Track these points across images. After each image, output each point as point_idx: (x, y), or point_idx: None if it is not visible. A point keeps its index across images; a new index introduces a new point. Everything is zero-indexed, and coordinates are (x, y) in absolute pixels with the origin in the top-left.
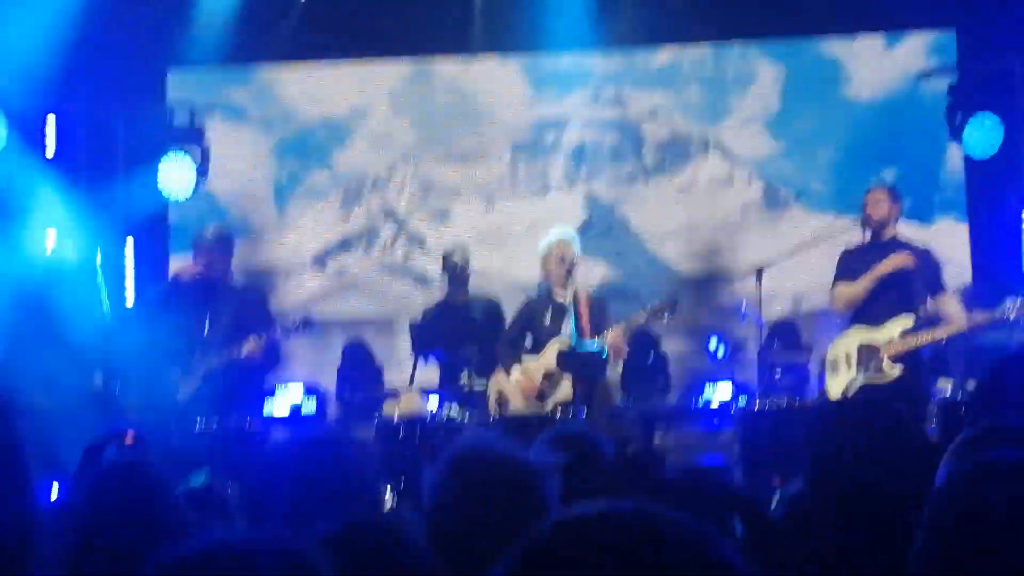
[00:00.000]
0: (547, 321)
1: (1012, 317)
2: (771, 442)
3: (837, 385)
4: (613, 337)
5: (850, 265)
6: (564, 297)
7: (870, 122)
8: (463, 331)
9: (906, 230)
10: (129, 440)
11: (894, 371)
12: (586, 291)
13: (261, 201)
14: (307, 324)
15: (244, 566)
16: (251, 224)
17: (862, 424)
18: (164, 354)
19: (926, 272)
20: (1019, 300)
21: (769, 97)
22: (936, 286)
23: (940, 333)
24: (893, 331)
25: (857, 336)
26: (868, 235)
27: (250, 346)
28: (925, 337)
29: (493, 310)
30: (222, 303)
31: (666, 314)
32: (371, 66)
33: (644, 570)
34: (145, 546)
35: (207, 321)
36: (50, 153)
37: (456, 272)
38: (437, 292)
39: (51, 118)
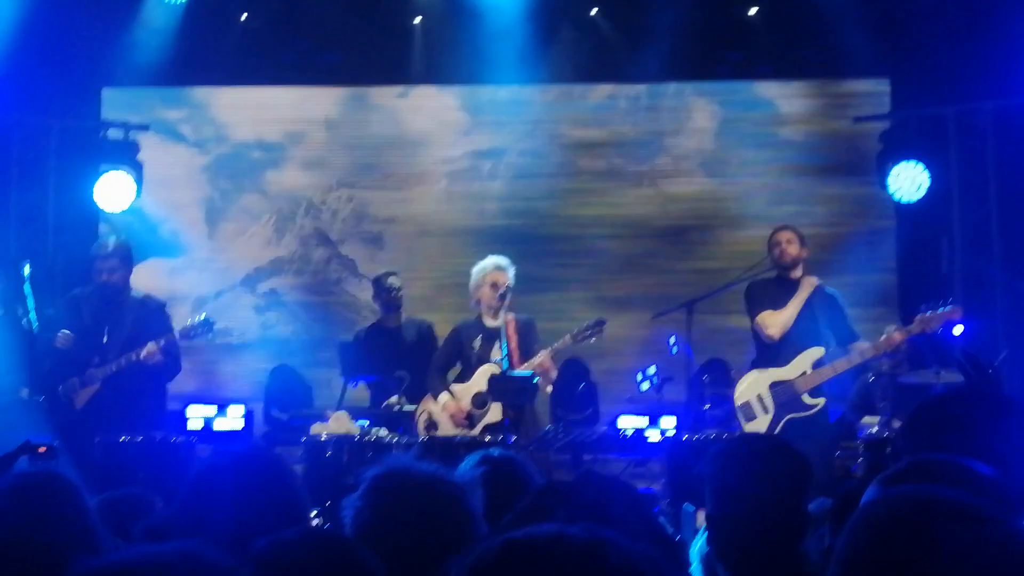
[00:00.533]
0: (477, 346)
1: (920, 331)
2: (697, 474)
3: (757, 429)
4: (542, 360)
5: (764, 295)
6: (495, 323)
7: (801, 163)
8: (395, 353)
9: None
10: (42, 450)
11: (817, 402)
12: (514, 317)
13: (192, 219)
14: (206, 325)
15: None
16: (181, 242)
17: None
18: (68, 364)
19: (834, 316)
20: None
21: (704, 136)
22: (843, 330)
23: (855, 359)
24: (804, 365)
25: (764, 377)
26: (775, 273)
27: (150, 349)
28: (840, 366)
29: (425, 333)
30: (121, 312)
31: (592, 336)
32: (308, 91)
33: None
34: (55, 558)
35: (106, 330)
36: None
37: (389, 295)
38: (369, 315)
39: None
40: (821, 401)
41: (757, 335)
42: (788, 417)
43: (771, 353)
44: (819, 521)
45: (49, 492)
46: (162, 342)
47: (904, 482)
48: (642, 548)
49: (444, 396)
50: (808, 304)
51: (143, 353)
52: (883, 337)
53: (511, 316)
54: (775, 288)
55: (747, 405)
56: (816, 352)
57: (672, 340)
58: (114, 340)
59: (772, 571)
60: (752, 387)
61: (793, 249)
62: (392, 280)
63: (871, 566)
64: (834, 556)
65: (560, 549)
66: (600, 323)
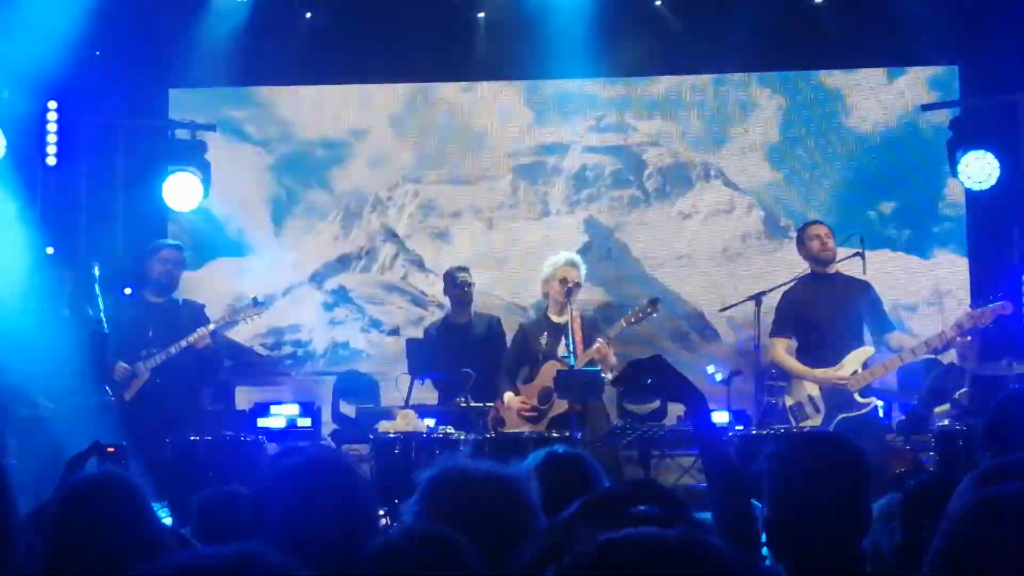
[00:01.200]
0: (543, 343)
1: (971, 326)
2: (754, 472)
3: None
4: (598, 347)
5: (793, 308)
6: (561, 319)
7: (870, 154)
8: (464, 349)
9: (905, 262)
10: (111, 451)
11: (869, 401)
12: (579, 313)
13: (259, 218)
14: (256, 305)
15: None
16: (248, 241)
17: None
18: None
19: (872, 305)
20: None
21: (769, 127)
22: (883, 322)
23: (907, 356)
24: (855, 364)
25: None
26: (811, 270)
27: (200, 334)
28: (892, 364)
29: (495, 328)
30: (165, 310)
31: (645, 317)
32: (372, 88)
33: None
34: (116, 560)
35: (151, 325)
36: (52, 161)
37: (460, 290)
38: (438, 311)
39: (53, 127)
40: (873, 400)
41: (798, 331)
42: (840, 417)
43: (815, 350)
44: (889, 516)
45: (111, 495)
46: (212, 326)
47: (1002, 480)
48: (732, 549)
49: (509, 395)
50: (852, 297)
51: (193, 338)
52: (936, 334)
53: (576, 313)
54: (809, 288)
55: (798, 406)
56: (867, 351)
57: (712, 369)
58: (159, 336)
59: (832, 571)
60: (803, 387)
61: (832, 243)
62: (463, 275)
63: (975, 563)
64: (931, 553)
65: (659, 550)
66: (653, 302)
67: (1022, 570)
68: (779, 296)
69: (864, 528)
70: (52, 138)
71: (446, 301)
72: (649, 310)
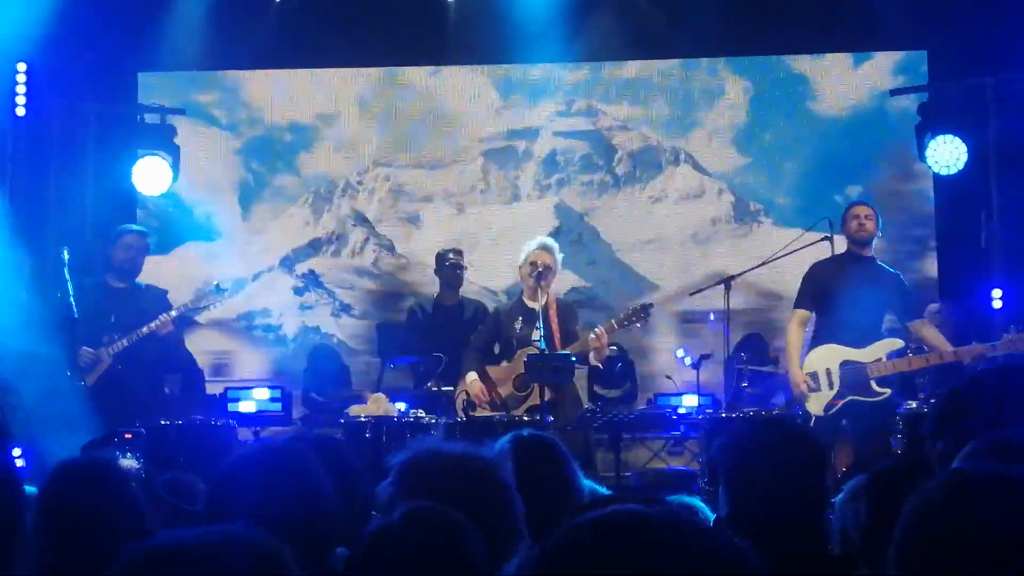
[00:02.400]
0: (518, 328)
1: (1005, 351)
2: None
3: (818, 401)
4: (599, 336)
5: (818, 282)
6: (535, 304)
7: (836, 138)
8: (455, 331)
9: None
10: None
11: (884, 392)
12: (556, 300)
13: (227, 202)
14: (218, 291)
15: (213, 560)
16: (216, 225)
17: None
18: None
19: (901, 296)
20: (1013, 331)
21: (737, 111)
22: (910, 310)
23: (932, 359)
24: (880, 352)
25: (838, 353)
26: (847, 249)
27: (162, 320)
28: (916, 363)
29: (481, 313)
30: (127, 295)
31: (637, 322)
32: (339, 72)
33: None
34: (105, 542)
35: (114, 311)
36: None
37: (452, 272)
38: (409, 296)
39: (21, 111)
40: (887, 392)
41: (820, 309)
42: (851, 397)
43: (832, 327)
44: (856, 498)
45: (99, 479)
46: (173, 313)
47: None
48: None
49: (472, 376)
50: (882, 286)
51: (155, 324)
52: (967, 347)
53: (553, 298)
54: (841, 266)
55: (814, 375)
56: (894, 343)
57: (681, 353)
58: (121, 321)
59: (793, 550)
60: (823, 359)
61: (871, 225)
62: (455, 257)
63: (941, 545)
64: (897, 532)
65: (645, 524)
66: (646, 308)
67: (988, 551)
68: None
69: (821, 507)
70: (20, 118)
71: (419, 284)
72: (640, 315)
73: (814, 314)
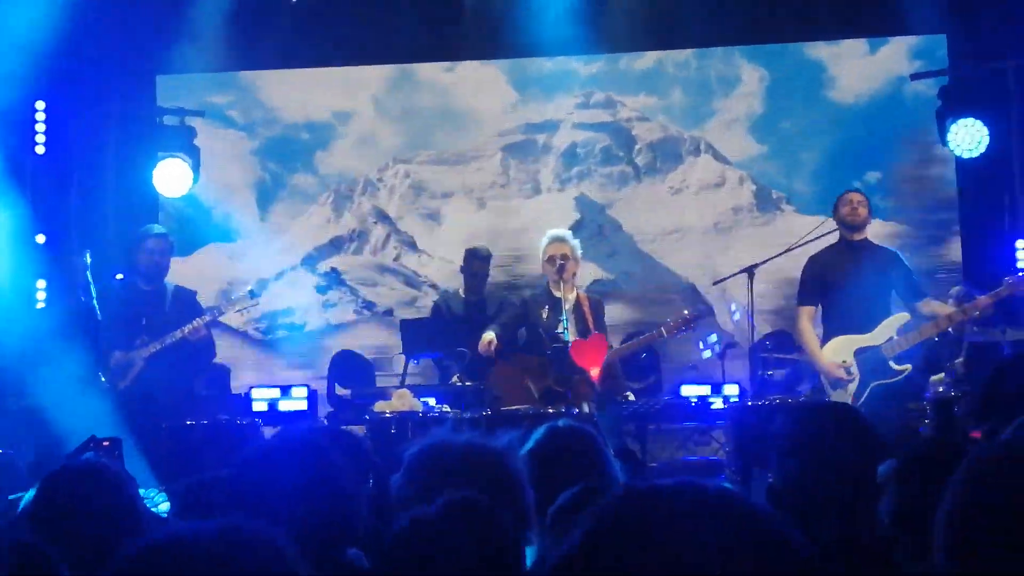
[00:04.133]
0: (545, 316)
1: (1009, 294)
2: (761, 438)
3: (842, 397)
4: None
5: (818, 275)
6: (561, 294)
7: (853, 124)
8: (481, 326)
9: (891, 230)
10: (107, 444)
11: (904, 368)
12: (587, 296)
13: (244, 203)
14: (252, 295)
15: (214, 554)
16: (235, 226)
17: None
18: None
19: (901, 273)
20: (1013, 279)
21: (753, 100)
22: (912, 289)
23: (942, 324)
24: (890, 330)
25: (849, 344)
26: (840, 237)
27: (195, 325)
28: (927, 331)
29: (507, 305)
30: (158, 298)
31: (688, 327)
32: (353, 71)
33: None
34: (103, 543)
35: (145, 314)
36: (40, 151)
37: (480, 267)
38: (431, 291)
39: (41, 116)
40: (908, 367)
41: (825, 301)
42: (875, 383)
43: (838, 317)
44: (886, 482)
45: (93, 482)
46: (207, 318)
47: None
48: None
49: (489, 334)
50: (880, 265)
51: (188, 329)
52: (971, 302)
53: (584, 294)
54: (837, 255)
55: (827, 372)
56: (901, 317)
57: (733, 307)
58: (151, 324)
59: (838, 536)
60: (837, 354)
61: (863, 211)
62: (481, 252)
63: (987, 521)
64: (947, 506)
65: (697, 498)
66: (697, 318)
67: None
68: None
69: (872, 500)
70: (41, 127)
71: (441, 280)
72: (690, 323)
73: (818, 308)
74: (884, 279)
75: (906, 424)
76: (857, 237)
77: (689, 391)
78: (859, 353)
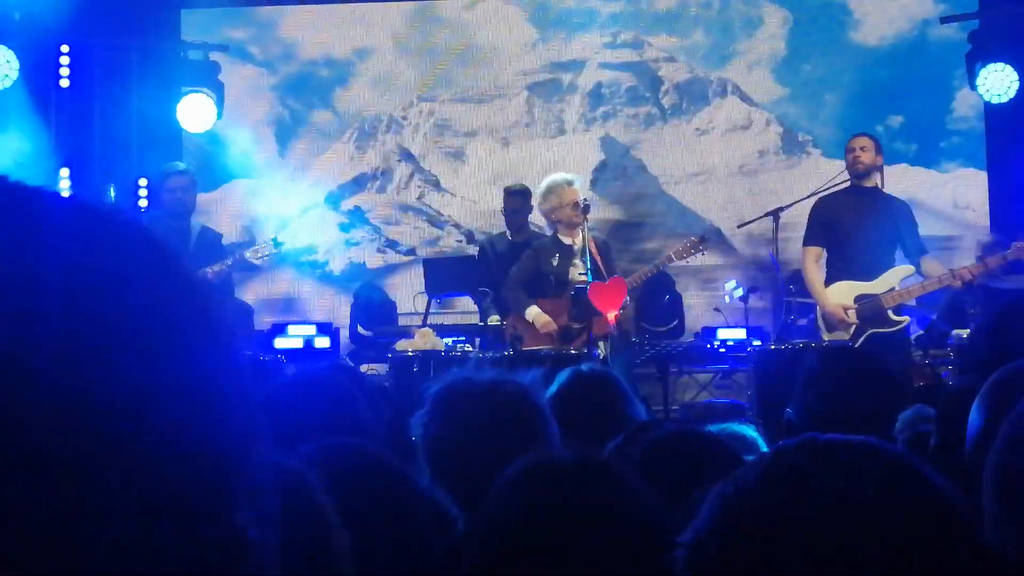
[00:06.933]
0: (555, 263)
1: (1015, 258)
2: (785, 382)
3: (839, 340)
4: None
5: (825, 217)
6: (571, 240)
7: (876, 67)
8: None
9: (919, 176)
10: None
11: (902, 320)
12: (593, 236)
13: (264, 139)
14: (275, 244)
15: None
16: (255, 162)
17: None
18: None
19: (910, 227)
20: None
21: (775, 41)
22: (919, 245)
23: (946, 279)
24: (893, 281)
25: (851, 289)
26: (850, 182)
27: (216, 269)
28: (930, 285)
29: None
30: (184, 237)
31: (696, 250)
32: (372, 6)
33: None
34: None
35: None
36: (65, 84)
37: (520, 206)
38: (455, 231)
39: (66, 49)
40: (905, 319)
41: (830, 244)
42: (871, 331)
43: (843, 261)
44: (913, 425)
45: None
46: (229, 262)
47: None
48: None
49: (536, 310)
50: (890, 214)
51: (211, 272)
52: (979, 263)
53: (590, 235)
54: (844, 199)
55: (832, 314)
56: (905, 270)
57: (731, 286)
58: None
59: None
60: (837, 297)
61: (867, 157)
62: (514, 188)
63: None
64: (994, 451)
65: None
66: (702, 239)
67: None
68: (801, 210)
69: (888, 440)
70: (65, 59)
71: (464, 220)
72: (699, 246)
73: (824, 250)
74: (892, 229)
75: (904, 375)
76: (866, 183)
77: (712, 334)
78: (859, 299)
